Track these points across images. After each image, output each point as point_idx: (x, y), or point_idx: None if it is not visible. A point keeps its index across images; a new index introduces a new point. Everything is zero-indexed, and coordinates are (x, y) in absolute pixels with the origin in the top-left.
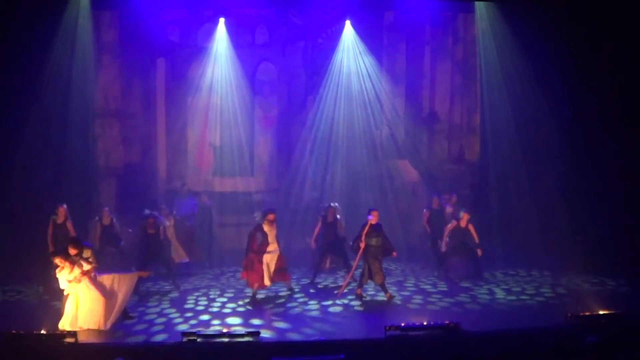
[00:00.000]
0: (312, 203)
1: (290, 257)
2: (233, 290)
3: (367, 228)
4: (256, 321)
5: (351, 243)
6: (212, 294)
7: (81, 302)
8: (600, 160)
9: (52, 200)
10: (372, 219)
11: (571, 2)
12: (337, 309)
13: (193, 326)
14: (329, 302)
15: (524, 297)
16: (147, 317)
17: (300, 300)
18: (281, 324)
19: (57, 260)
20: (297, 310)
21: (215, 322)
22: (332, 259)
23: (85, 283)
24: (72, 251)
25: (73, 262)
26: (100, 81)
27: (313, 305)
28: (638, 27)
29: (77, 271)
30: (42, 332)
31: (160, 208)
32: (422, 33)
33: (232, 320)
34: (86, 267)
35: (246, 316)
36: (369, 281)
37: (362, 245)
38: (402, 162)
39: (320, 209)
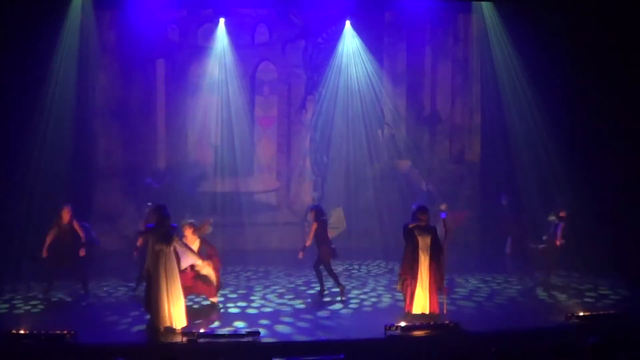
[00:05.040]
0: (312, 203)
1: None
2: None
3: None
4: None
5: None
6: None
7: (174, 298)
8: (601, 159)
9: (51, 199)
10: (421, 221)
11: (570, 2)
12: (337, 308)
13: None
14: (328, 300)
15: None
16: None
17: (300, 300)
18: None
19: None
20: (297, 310)
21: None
22: None
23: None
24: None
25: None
26: (101, 81)
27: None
28: (638, 27)
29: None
30: (42, 332)
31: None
32: (422, 33)
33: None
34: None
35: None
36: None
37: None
38: (403, 162)
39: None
